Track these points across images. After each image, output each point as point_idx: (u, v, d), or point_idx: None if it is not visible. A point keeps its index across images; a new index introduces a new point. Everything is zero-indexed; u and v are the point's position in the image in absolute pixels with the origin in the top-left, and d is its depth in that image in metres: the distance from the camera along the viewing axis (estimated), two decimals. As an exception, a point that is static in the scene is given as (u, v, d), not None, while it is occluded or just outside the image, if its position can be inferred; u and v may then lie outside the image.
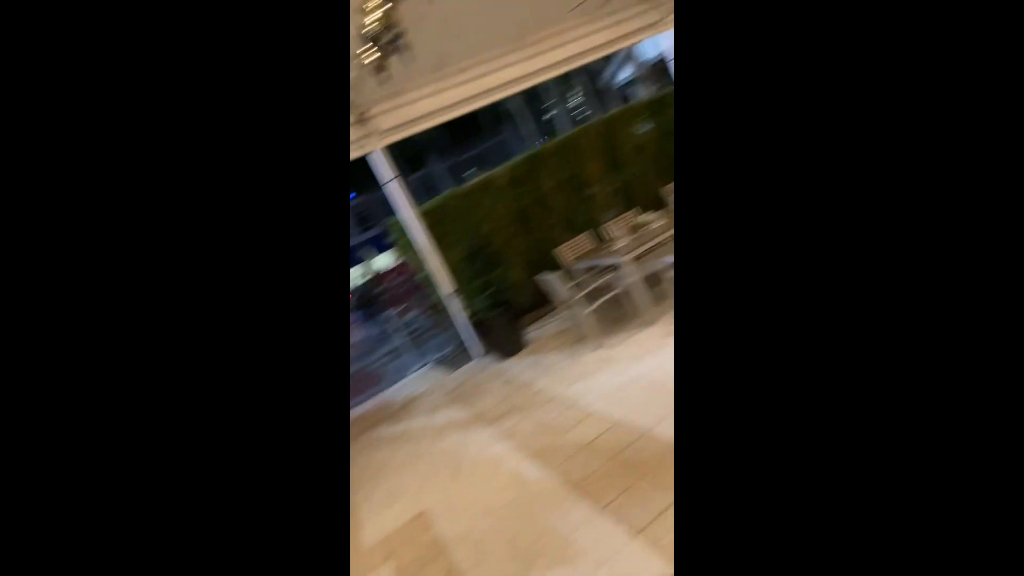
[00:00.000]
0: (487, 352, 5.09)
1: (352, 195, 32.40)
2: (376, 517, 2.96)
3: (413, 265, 6.14)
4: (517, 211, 5.36)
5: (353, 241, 31.49)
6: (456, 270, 5.05)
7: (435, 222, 5.06)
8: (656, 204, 5.35)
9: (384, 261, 20.54)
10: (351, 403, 5.55)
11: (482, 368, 4.82)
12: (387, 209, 5.69)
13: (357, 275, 21.65)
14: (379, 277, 6.67)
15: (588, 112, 16.07)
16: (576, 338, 4.36)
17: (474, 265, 5.02)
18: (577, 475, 2.48)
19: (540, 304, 5.48)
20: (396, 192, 4.93)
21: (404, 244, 5.41)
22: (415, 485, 3.12)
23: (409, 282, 6.51)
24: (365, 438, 4.36)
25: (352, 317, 15.69)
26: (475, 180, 5.39)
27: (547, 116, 18.31)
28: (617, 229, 4.61)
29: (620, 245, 4.17)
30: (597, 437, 2.65)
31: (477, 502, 2.65)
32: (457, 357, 5.39)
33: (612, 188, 5.36)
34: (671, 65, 5.87)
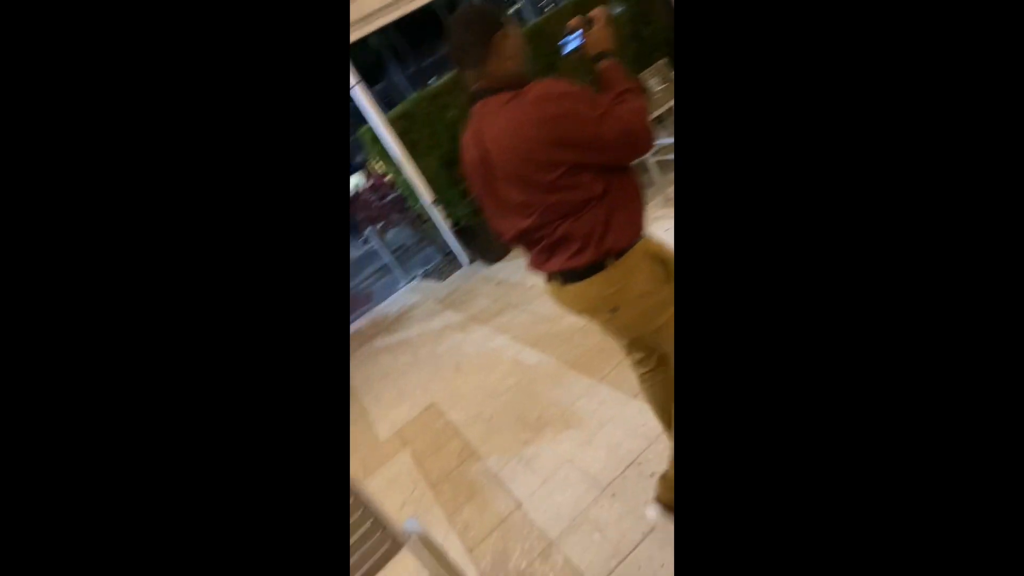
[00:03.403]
0: (474, 259, 5.12)
1: (310, 116, 30.32)
2: (387, 414, 3.14)
3: (390, 178, 5.96)
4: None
5: (319, 166, 30.01)
6: (434, 178, 4.92)
7: (406, 129, 4.84)
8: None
9: (353, 183, 19.80)
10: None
11: (471, 274, 4.88)
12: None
13: (329, 201, 20.88)
14: (355, 196, 6.45)
15: (554, 2, 14.87)
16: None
17: (452, 171, 4.89)
18: (574, 355, 2.63)
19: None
20: (362, 100, 4.65)
21: (378, 154, 5.20)
22: (421, 384, 3.27)
23: (387, 196, 6.34)
24: (364, 350, 4.48)
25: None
26: (444, 79, 5.08)
27: (513, 8, 16.93)
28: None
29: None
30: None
31: (482, 389, 2.81)
32: (445, 267, 5.42)
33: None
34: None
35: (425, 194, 4.90)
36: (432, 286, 5.23)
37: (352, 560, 1.35)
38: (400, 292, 5.72)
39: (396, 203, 6.12)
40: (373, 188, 6.88)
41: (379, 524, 1.39)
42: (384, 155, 5.04)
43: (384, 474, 2.55)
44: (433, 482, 2.30)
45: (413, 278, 5.88)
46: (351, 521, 1.38)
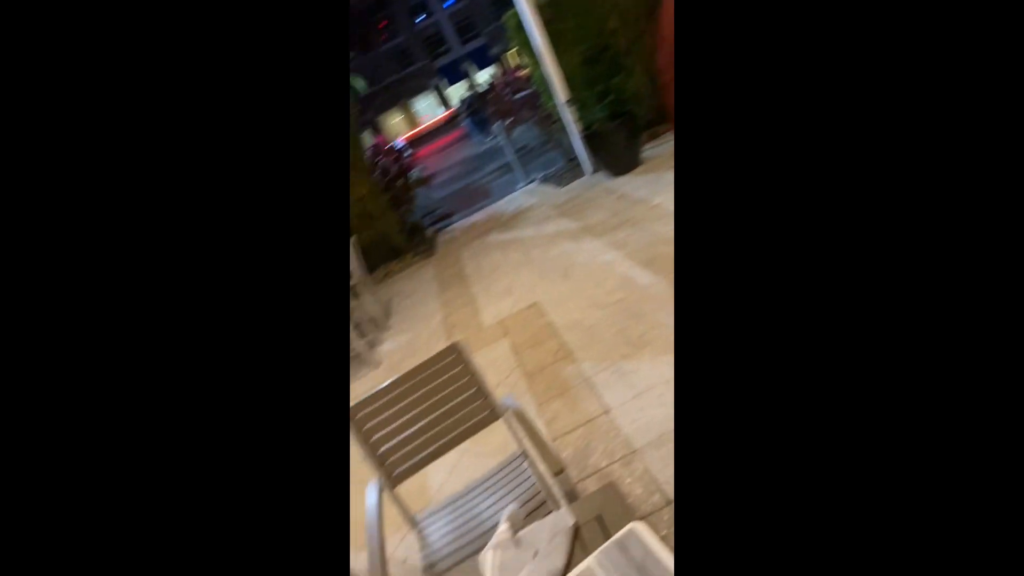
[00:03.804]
0: (598, 169, 4.92)
1: (450, 0, 29.58)
2: (493, 304, 3.30)
3: (527, 72, 5.73)
4: (649, 3, 4.59)
5: (454, 55, 29.82)
6: (572, 76, 4.64)
7: (552, 18, 4.52)
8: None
9: (486, 76, 19.42)
10: (461, 214, 5.86)
11: (592, 184, 4.72)
12: (490, 15, 5.12)
13: (460, 91, 20.93)
14: (489, 88, 6.36)
15: None
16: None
17: (593, 70, 4.56)
18: (691, 282, 2.50)
19: (662, 120, 5.01)
20: (512, -22, 4.37)
21: (520, 43, 4.98)
22: (528, 283, 3.36)
23: (521, 92, 6.16)
24: (478, 243, 4.66)
25: (461, 130, 15.71)
26: (604, -39, 4.57)
27: None
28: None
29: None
30: (717, 250, 2.58)
31: (587, 298, 2.82)
32: (566, 173, 5.29)
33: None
34: None
35: (560, 92, 4.67)
36: (550, 191, 5.17)
37: (453, 419, 1.50)
38: (518, 192, 5.74)
39: (528, 100, 5.94)
40: (507, 82, 6.70)
41: (481, 393, 1.51)
42: (526, 45, 4.81)
43: (484, 356, 2.74)
44: (528, 372, 2.43)
45: (532, 180, 5.83)
46: (458, 385, 1.52)
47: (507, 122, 6.18)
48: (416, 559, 1.71)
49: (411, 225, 5.44)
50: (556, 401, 2.14)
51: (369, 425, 1.40)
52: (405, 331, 3.54)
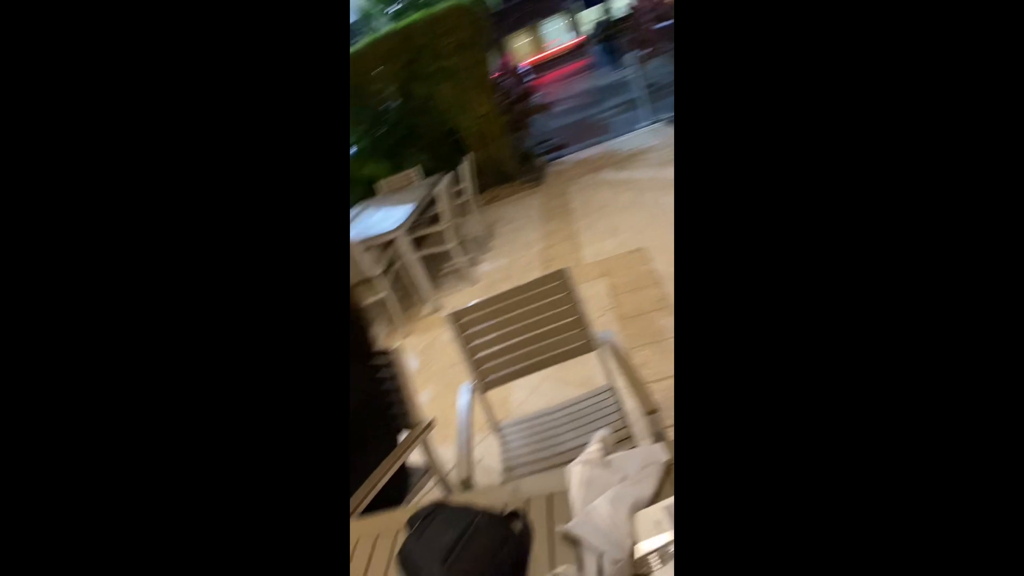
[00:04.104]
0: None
1: (602, -90, 26.93)
2: (595, 243, 3.24)
3: (673, -4, 5.19)
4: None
5: (594, -25, 27.64)
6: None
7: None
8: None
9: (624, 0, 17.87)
10: (575, 147, 5.67)
11: (726, 132, 4.30)
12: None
13: (594, 15, 19.57)
14: (629, 13, 5.86)
15: None
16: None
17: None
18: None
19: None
20: None
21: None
22: (635, 226, 3.24)
23: (665, 18, 5.62)
24: (587, 179, 4.52)
25: (587, 59, 14.93)
26: None
27: None
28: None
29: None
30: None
31: (699, 253, 2.66)
32: (698, 116, 4.86)
33: None
34: None
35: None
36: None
37: (547, 342, 1.53)
38: (639, 132, 5.41)
39: (671, 30, 5.41)
40: (651, 7, 6.13)
41: (580, 323, 1.51)
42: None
43: (580, 292, 2.73)
44: (622, 315, 2.39)
45: (658, 120, 5.45)
46: (558, 311, 1.53)
47: (643, 53, 5.72)
48: (490, 462, 1.84)
49: (523, 153, 5.39)
50: (648, 349, 2.11)
51: (469, 332, 1.47)
52: (504, 256, 3.61)
